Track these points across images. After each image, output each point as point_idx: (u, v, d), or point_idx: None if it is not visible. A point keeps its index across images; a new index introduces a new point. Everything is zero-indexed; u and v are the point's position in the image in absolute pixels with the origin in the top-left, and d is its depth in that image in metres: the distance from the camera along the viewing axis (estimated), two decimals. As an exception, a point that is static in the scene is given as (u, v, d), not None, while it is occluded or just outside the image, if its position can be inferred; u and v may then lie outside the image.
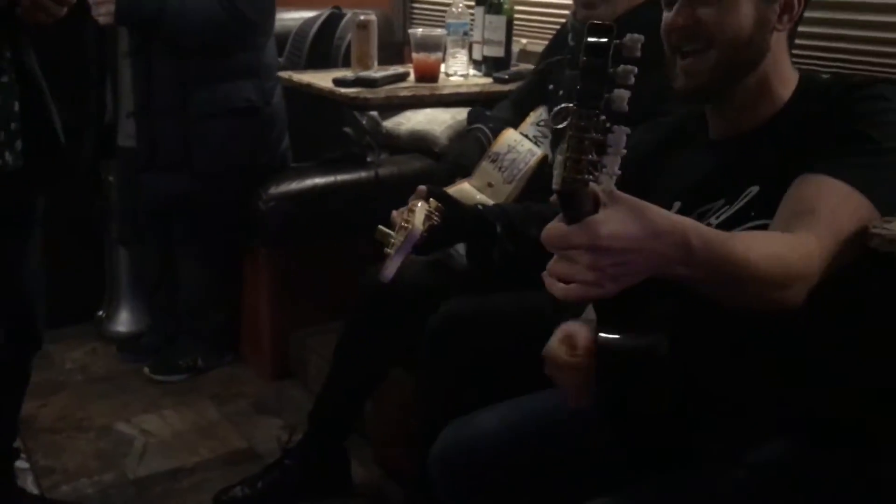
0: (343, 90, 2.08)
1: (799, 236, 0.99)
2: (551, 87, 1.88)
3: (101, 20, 2.10)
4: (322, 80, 2.20)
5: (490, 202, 1.76)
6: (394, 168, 2.61)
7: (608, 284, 0.83)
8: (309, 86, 2.19)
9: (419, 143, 2.77)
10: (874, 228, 1.06)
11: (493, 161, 1.84)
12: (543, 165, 1.81)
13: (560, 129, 0.82)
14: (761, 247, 0.95)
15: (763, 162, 1.16)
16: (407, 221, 1.46)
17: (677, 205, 1.23)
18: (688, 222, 0.87)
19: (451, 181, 1.88)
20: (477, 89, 2.26)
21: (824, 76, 1.25)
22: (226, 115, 2.29)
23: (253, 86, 2.33)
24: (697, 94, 1.21)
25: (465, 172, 1.88)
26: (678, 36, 1.17)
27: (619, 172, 0.78)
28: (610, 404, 1.07)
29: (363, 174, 2.54)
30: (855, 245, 1.04)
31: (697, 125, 1.28)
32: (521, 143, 1.85)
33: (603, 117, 0.76)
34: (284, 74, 2.36)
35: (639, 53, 0.77)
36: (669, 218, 0.86)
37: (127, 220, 2.59)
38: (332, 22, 2.75)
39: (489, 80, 2.35)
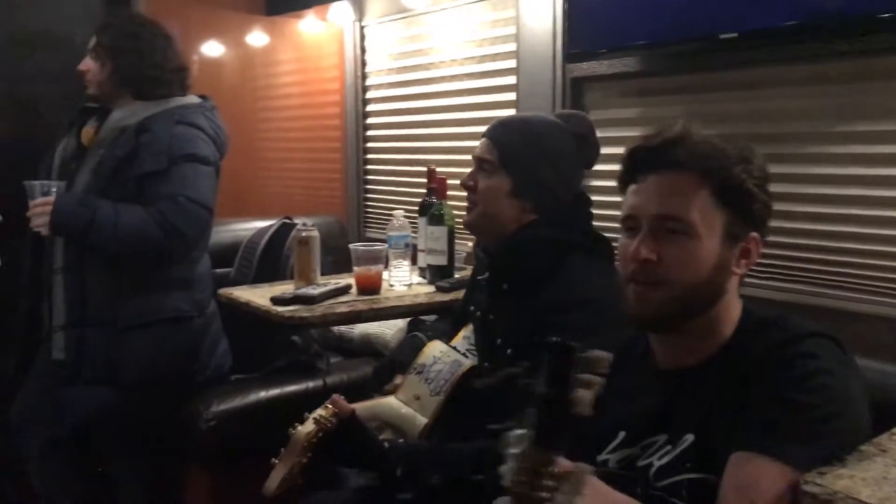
0: (279, 309, 2.04)
1: None
2: (472, 307, 1.86)
3: (39, 231, 2.11)
4: (262, 296, 2.17)
5: (415, 415, 1.72)
6: (343, 375, 2.55)
7: None
8: (248, 304, 2.15)
9: (371, 346, 2.73)
10: (804, 485, 1.00)
11: (420, 373, 1.80)
12: (470, 377, 1.75)
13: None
14: None
15: (700, 407, 1.13)
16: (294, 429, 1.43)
17: (622, 434, 1.21)
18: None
19: (390, 379, 1.85)
20: (419, 300, 2.24)
21: (763, 313, 1.21)
22: (154, 325, 2.22)
23: (185, 297, 2.29)
24: (647, 323, 1.21)
25: (402, 370, 1.85)
26: (636, 267, 1.16)
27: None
28: None
29: (311, 384, 2.47)
30: None
31: (644, 348, 1.27)
32: (447, 355, 1.82)
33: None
34: (224, 291, 2.33)
35: (606, 369, 0.85)
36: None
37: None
38: (282, 233, 2.75)
39: (433, 288, 2.33)
